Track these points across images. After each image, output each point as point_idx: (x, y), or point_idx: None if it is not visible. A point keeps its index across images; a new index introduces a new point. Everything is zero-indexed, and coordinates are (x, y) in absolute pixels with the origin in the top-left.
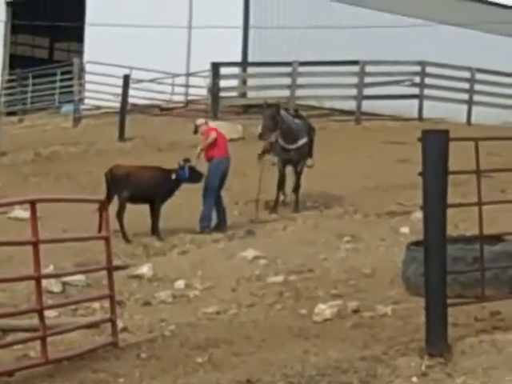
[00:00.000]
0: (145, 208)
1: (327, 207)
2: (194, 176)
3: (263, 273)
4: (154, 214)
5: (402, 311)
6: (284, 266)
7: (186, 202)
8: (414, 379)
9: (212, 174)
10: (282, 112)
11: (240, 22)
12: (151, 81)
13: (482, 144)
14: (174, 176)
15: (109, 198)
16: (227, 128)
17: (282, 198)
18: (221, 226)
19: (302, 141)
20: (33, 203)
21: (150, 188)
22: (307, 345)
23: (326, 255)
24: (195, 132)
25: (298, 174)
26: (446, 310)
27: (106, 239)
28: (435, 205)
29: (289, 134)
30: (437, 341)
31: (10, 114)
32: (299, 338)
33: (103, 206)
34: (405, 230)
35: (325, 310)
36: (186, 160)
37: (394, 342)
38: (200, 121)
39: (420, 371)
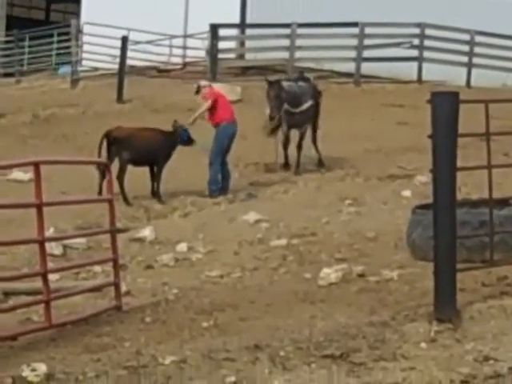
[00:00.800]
0: (144, 170)
1: (328, 170)
2: (189, 139)
3: (266, 236)
4: (156, 177)
5: (408, 276)
6: (286, 229)
7: (183, 165)
8: (423, 345)
9: (220, 139)
10: (284, 83)
11: None
12: (149, 42)
13: (482, 107)
14: (175, 137)
15: (109, 160)
16: (225, 90)
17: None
18: (224, 191)
19: (307, 104)
20: (37, 165)
21: (151, 150)
22: (314, 309)
23: (329, 218)
24: (197, 92)
25: (301, 136)
26: (455, 275)
27: (110, 202)
28: (445, 168)
29: (293, 99)
30: (445, 306)
31: (7, 75)
32: (305, 302)
33: (106, 168)
34: (407, 193)
35: (330, 274)
36: (175, 122)
37: (402, 307)
38: (204, 82)
39: (429, 337)
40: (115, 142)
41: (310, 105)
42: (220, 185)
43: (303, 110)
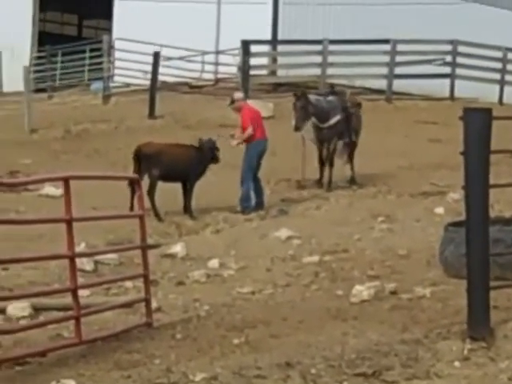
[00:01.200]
0: (176, 186)
1: (360, 186)
2: (214, 157)
3: (297, 253)
4: (187, 193)
5: (441, 293)
6: (318, 245)
7: (216, 180)
8: (457, 363)
9: (249, 156)
10: (311, 97)
11: None
12: (181, 58)
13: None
14: (207, 153)
15: (139, 176)
16: (257, 106)
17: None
18: (259, 207)
19: (335, 119)
20: (66, 180)
21: (181, 166)
22: (346, 327)
23: (361, 235)
24: (231, 103)
25: (330, 153)
26: (489, 293)
27: (141, 217)
28: (477, 185)
29: (321, 114)
30: (479, 324)
31: (39, 90)
32: (337, 319)
33: (137, 184)
34: (439, 210)
35: (362, 291)
36: (201, 140)
37: (435, 325)
38: (238, 95)
39: (462, 355)
40: (145, 158)
41: (337, 120)
42: (252, 201)
43: (331, 125)
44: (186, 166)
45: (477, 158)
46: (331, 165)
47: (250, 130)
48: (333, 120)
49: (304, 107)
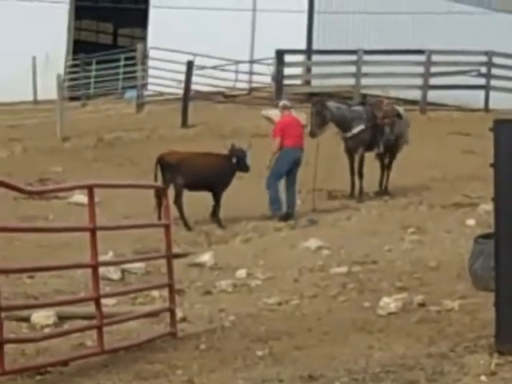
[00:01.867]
0: (207, 195)
1: (392, 197)
2: (244, 166)
3: (326, 263)
4: (215, 201)
5: (470, 306)
6: (347, 256)
7: (245, 189)
8: (483, 378)
9: (279, 163)
10: (331, 104)
11: (305, 6)
12: (214, 67)
13: None
14: (234, 160)
15: (164, 185)
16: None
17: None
18: (288, 217)
19: (357, 129)
20: (90, 188)
21: (207, 175)
22: (371, 339)
23: (391, 246)
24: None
25: (359, 163)
26: None
27: (167, 227)
28: (507, 197)
29: (342, 123)
30: (507, 338)
31: (73, 98)
32: (363, 331)
33: (163, 193)
34: (471, 222)
35: (389, 303)
36: (233, 146)
37: (462, 339)
38: (284, 103)
39: (489, 370)
40: (167, 167)
41: (360, 129)
42: (283, 206)
43: (354, 135)
44: (211, 174)
45: (507, 170)
46: (360, 175)
47: (275, 142)
48: (355, 129)
49: (319, 113)
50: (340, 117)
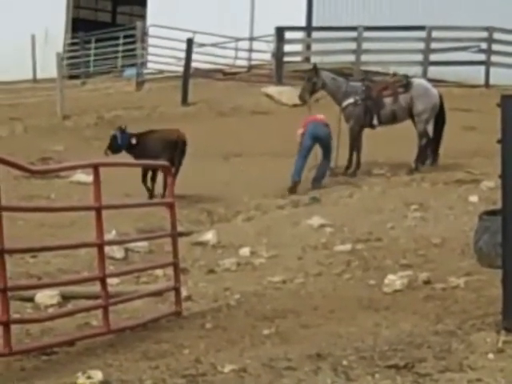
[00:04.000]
0: (210, 174)
1: (394, 174)
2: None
3: (329, 241)
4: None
5: (475, 283)
6: (351, 234)
7: (248, 168)
8: (491, 356)
9: (305, 137)
10: (325, 73)
11: None
12: (214, 45)
13: None
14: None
15: (173, 164)
16: (291, 93)
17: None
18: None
19: (346, 102)
20: (96, 167)
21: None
22: (378, 317)
23: (394, 223)
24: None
25: (349, 135)
26: None
27: (171, 205)
28: None
29: (336, 94)
30: None
31: (72, 77)
32: (369, 309)
33: (168, 171)
34: (474, 198)
35: (395, 280)
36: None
37: (468, 316)
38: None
39: (496, 347)
40: (183, 146)
41: (348, 103)
42: (301, 176)
43: (343, 108)
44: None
45: None
46: (351, 149)
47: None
48: (345, 102)
49: (310, 79)
50: (334, 88)
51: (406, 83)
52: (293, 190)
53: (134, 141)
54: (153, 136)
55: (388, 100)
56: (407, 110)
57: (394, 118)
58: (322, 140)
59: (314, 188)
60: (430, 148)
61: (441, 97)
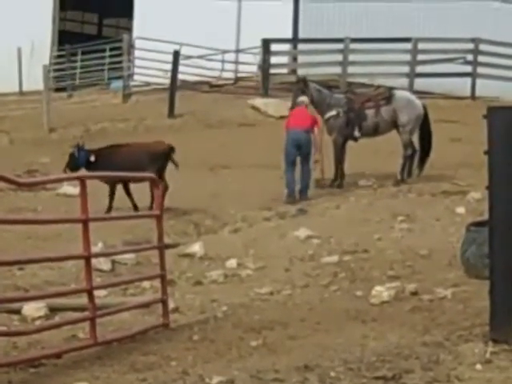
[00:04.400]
0: (197, 186)
1: (381, 186)
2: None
3: (316, 252)
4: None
5: (462, 294)
6: (338, 245)
7: (235, 180)
8: (478, 366)
9: (285, 145)
10: (312, 85)
11: None
12: (200, 57)
13: None
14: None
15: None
16: (278, 105)
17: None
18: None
19: (328, 114)
20: (82, 180)
21: None
22: (365, 329)
23: (381, 235)
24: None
25: (334, 146)
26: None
27: (157, 217)
28: (501, 184)
29: (321, 106)
30: (502, 326)
31: (59, 89)
32: (356, 321)
33: (154, 183)
34: (460, 210)
35: (382, 292)
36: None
37: (456, 327)
38: (302, 99)
39: (484, 358)
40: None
41: (330, 115)
42: (294, 188)
43: (325, 120)
44: None
45: (501, 157)
46: (336, 161)
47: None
48: (327, 115)
49: (298, 90)
50: (319, 100)
51: (388, 95)
52: (290, 200)
53: (92, 158)
54: (112, 151)
55: (370, 112)
56: (390, 123)
57: (376, 130)
58: (302, 147)
59: (302, 200)
60: (417, 159)
61: (425, 108)
